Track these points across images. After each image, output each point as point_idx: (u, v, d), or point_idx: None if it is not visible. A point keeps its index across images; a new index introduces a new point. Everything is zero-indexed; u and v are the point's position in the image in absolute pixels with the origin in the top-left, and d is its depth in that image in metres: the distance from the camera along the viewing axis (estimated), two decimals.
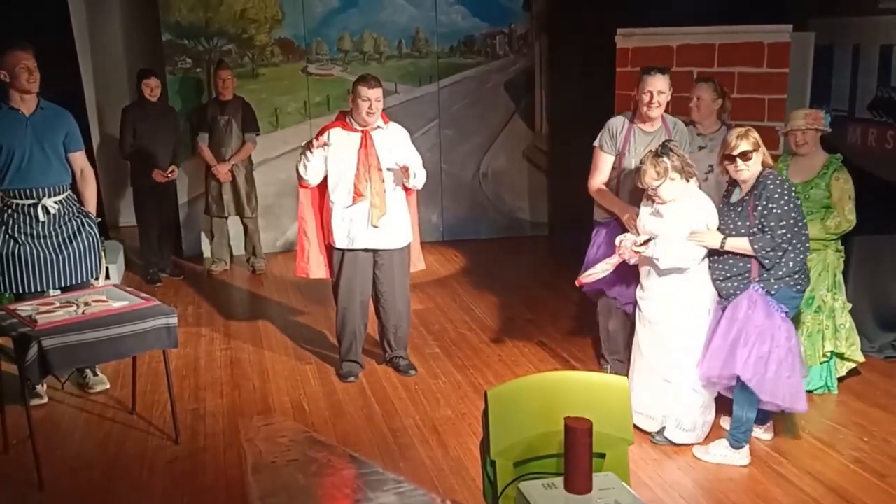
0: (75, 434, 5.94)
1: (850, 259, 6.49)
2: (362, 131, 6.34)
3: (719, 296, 5.43)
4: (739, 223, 5.27)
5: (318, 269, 6.69)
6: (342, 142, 6.33)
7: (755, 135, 5.24)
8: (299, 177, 6.45)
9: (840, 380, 6.36)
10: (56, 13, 9.87)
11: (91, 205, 6.40)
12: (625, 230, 5.81)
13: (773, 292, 5.22)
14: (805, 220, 5.29)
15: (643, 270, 5.59)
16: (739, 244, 5.22)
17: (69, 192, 6.25)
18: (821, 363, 6.20)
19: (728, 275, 5.34)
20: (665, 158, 5.22)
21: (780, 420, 5.86)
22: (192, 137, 9.54)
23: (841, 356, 6.28)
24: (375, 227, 6.34)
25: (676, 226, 5.31)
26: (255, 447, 3.19)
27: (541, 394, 3.71)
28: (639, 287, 5.66)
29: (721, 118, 6.65)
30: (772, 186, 5.18)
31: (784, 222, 5.14)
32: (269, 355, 7.31)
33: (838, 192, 5.96)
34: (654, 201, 5.41)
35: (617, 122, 6.11)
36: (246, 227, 9.80)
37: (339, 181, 6.34)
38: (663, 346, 5.49)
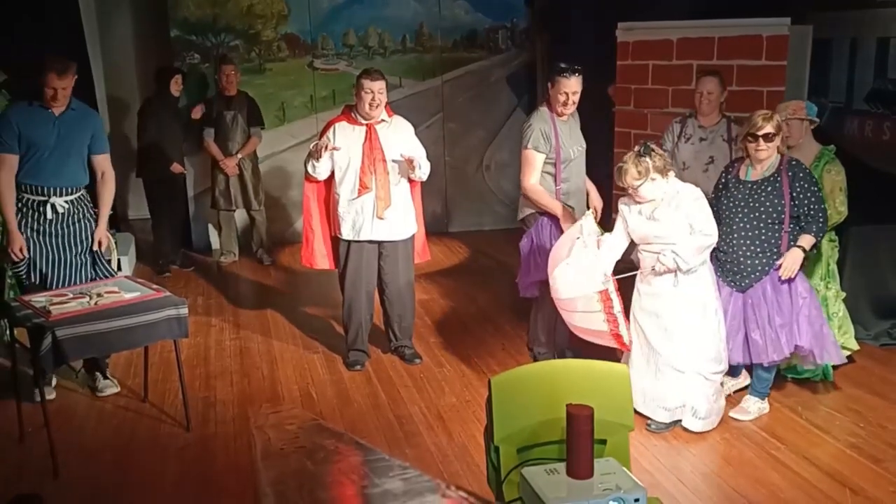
0: (89, 422, 6.01)
1: (847, 248, 6.55)
2: (367, 125, 6.40)
3: (738, 276, 5.62)
4: (767, 202, 5.52)
5: (321, 259, 6.77)
6: (347, 136, 6.39)
7: (778, 119, 5.50)
8: (307, 173, 6.52)
9: (835, 367, 6.36)
10: (66, 9, 9.91)
11: (106, 206, 6.34)
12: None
13: None
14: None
15: (643, 263, 5.62)
16: (808, 242, 5.54)
17: (83, 192, 6.20)
18: None
19: (758, 249, 5.56)
20: (647, 158, 5.26)
21: (779, 409, 5.96)
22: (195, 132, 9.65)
23: None
24: (381, 219, 6.41)
25: (678, 224, 5.34)
26: (264, 434, 3.15)
27: (543, 381, 3.75)
28: (639, 281, 5.69)
29: (721, 110, 6.73)
30: (807, 171, 5.52)
31: (823, 204, 5.56)
32: (277, 345, 7.39)
33: (830, 185, 6.01)
34: (635, 202, 5.45)
35: (545, 123, 6.22)
36: (253, 220, 9.90)
37: (345, 174, 6.41)
38: (672, 338, 5.52)
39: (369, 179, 6.36)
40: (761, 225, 5.55)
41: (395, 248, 6.61)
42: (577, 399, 3.41)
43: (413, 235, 6.74)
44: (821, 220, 5.52)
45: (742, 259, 5.59)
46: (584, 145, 6.44)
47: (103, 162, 6.26)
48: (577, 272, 5.53)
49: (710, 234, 5.36)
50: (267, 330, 7.78)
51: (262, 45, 10.50)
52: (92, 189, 6.29)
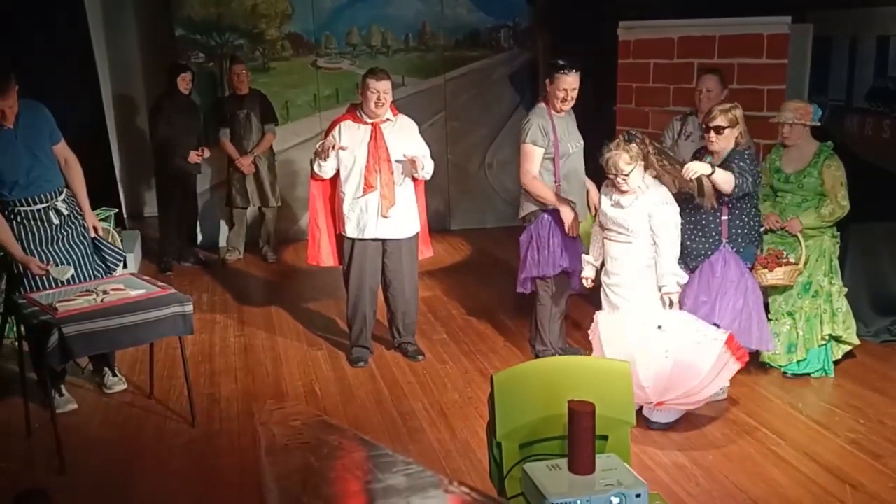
0: (95, 418, 6.06)
1: (847, 246, 6.58)
2: (372, 124, 6.44)
3: (687, 258, 5.76)
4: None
5: (328, 257, 6.80)
6: (353, 135, 6.43)
7: (736, 113, 5.68)
8: (313, 172, 6.56)
9: (836, 363, 6.44)
10: (72, 9, 9.96)
11: (83, 194, 6.21)
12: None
13: (740, 251, 5.74)
14: (759, 187, 5.85)
15: (608, 258, 5.69)
16: (726, 177, 5.52)
17: (66, 188, 6.11)
18: (819, 346, 6.31)
19: (701, 234, 5.73)
20: (633, 145, 5.32)
21: (779, 405, 6.01)
22: (209, 132, 9.64)
23: (838, 339, 6.37)
24: (385, 217, 6.45)
25: (639, 218, 5.42)
26: (268, 430, 3.12)
27: (545, 378, 3.79)
28: (604, 273, 5.75)
29: None
30: (738, 160, 5.65)
31: (745, 176, 5.57)
32: (281, 342, 7.43)
33: (831, 180, 6.08)
34: (615, 190, 5.48)
35: (543, 119, 6.31)
36: (264, 217, 9.95)
37: (351, 173, 6.44)
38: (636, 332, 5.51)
39: (374, 178, 6.40)
40: (702, 210, 5.73)
41: (399, 245, 6.65)
42: (578, 395, 3.43)
43: (417, 233, 6.77)
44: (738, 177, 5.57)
45: (688, 242, 5.76)
46: (582, 142, 6.51)
47: (63, 149, 6.13)
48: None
49: (676, 241, 5.47)
50: (271, 327, 7.82)
51: (266, 44, 10.53)
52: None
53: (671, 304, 5.55)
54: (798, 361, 6.34)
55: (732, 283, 5.76)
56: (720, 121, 5.68)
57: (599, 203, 5.73)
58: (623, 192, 5.45)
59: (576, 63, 6.24)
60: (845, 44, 8.34)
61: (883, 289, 7.04)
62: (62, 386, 6.21)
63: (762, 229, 6.20)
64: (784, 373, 6.40)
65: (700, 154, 5.99)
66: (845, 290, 6.38)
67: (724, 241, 5.80)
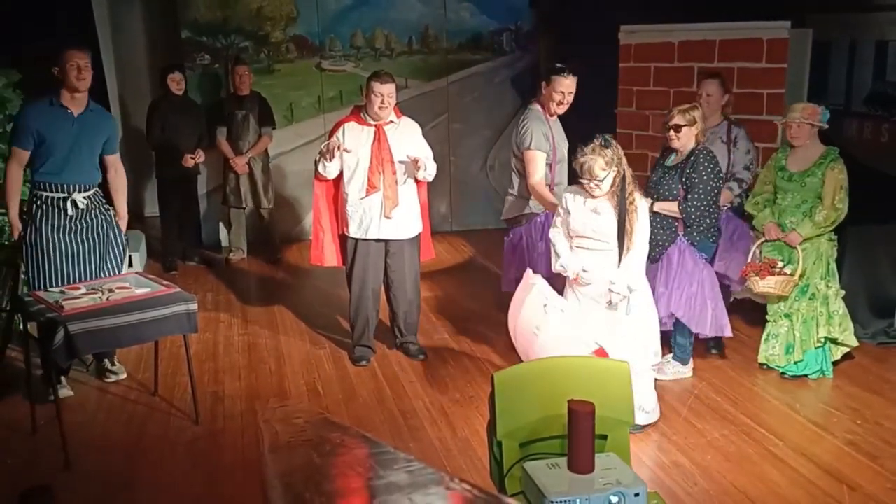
0: (100, 415, 6.10)
1: (844, 248, 6.62)
2: (375, 126, 6.48)
3: (650, 250, 5.72)
4: (673, 185, 6.06)
5: (331, 257, 6.84)
6: (356, 136, 6.46)
7: (695, 113, 5.99)
8: (317, 172, 6.60)
9: (834, 364, 6.48)
10: (79, 10, 9.99)
11: (122, 203, 6.46)
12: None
13: (695, 244, 6.01)
14: (720, 188, 6.14)
15: (586, 257, 5.50)
16: (668, 207, 6.06)
17: (97, 188, 6.26)
18: (815, 348, 6.34)
19: (659, 227, 6.02)
20: (609, 150, 5.22)
21: (777, 406, 6.04)
22: (210, 130, 9.69)
23: (834, 341, 6.39)
24: (388, 218, 6.48)
25: (615, 223, 5.32)
26: (271, 428, 3.12)
27: (545, 378, 3.81)
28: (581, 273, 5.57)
29: (724, 112, 6.80)
30: (703, 161, 5.97)
31: (703, 194, 5.97)
32: (284, 340, 7.47)
33: (832, 182, 6.11)
34: (587, 195, 5.36)
35: (542, 124, 6.44)
36: (262, 218, 9.97)
37: (354, 174, 6.48)
38: (616, 332, 5.46)
39: (378, 179, 6.44)
40: None
41: (402, 246, 6.69)
42: (578, 395, 3.46)
43: (419, 234, 6.81)
44: (693, 204, 5.96)
45: (650, 235, 5.80)
46: (567, 145, 6.60)
47: (115, 161, 6.38)
48: (557, 341, 5.18)
49: (643, 244, 5.41)
50: (274, 326, 7.85)
51: (271, 46, 10.58)
52: (104, 184, 6.37)
53: (610, 303, 5.45)
54: (796, 363, 6.38)
55: (688, 273, 6.05)
56: (678, 120, 5.98)
57: (568, 207, 5.50)
58: (595, 198, 5.35)
59: (574, 68, 6.33)
60: (844, 48, 8.38)
61: (880, 291, 7.08)
62: (63, 378, 6.32)
63: (762, 240, 6.39)
64: (782, 374, 6.44)
65: (665, 155, 6.20)
66: (842, 292, 6.40)
67: (681, 234, 6.05)
